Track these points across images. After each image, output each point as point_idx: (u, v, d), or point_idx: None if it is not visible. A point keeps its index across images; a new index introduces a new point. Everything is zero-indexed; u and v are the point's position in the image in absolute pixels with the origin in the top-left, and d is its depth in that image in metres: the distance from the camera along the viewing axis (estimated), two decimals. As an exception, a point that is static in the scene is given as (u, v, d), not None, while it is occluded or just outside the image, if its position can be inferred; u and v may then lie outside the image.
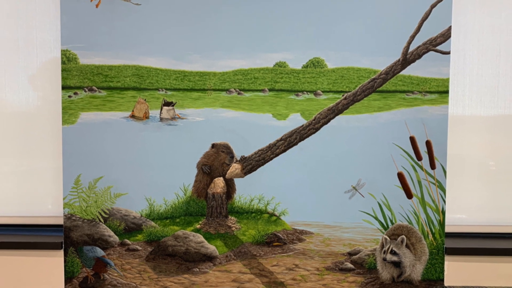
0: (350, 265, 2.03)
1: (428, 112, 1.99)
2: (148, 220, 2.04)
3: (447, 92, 1.98)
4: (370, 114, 2.01)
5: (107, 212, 2.03)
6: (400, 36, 1.94)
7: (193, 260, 2.03)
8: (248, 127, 2.01)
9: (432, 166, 1.99)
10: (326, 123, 1.98)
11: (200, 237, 2.04)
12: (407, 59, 1.95)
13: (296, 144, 1.99)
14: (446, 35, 1.93)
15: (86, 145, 2.00)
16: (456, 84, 2.11)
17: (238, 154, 2.02)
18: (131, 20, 1.96)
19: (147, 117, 2.02)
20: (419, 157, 1.99)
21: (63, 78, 1.98)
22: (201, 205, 2.05)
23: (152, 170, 2.02)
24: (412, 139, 1.98)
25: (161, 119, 2.02)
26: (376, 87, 1.97)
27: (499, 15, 2.10)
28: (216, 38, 1.98)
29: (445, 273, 2.04)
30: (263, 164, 2.00)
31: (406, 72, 1.97)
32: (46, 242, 2.05)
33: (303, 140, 1.99)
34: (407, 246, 1.99)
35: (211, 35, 1.98)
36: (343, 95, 1.98)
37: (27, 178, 2.18)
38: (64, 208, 2.02)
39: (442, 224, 2.01)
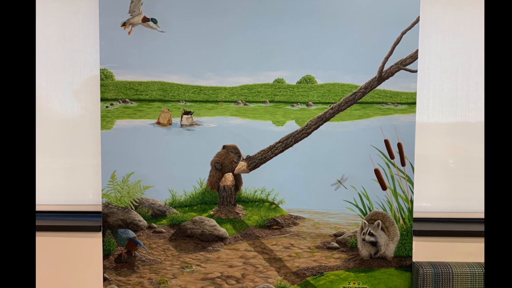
0: (335, 244, 2.14)
1: (399, 120, 2.09)
2: (171, 207, 2.13)
3: (414, 103, 2.09)
4: (352, 121, 2.10)
5: (137, 201, 2.13)
6: (376, 57, 2.06)
7: (207, 240, 2.14)
8: (252, 132, 2.11)
9: (403, 164, 2.11)
10: (316, 128, 2.10)
11: (213, 222, 2.14)
12: (382, 76, 2.06)
13: (291, 145, 2.11)
14: (414, 57, 2.06)
15: (120, 147, 2.11)
16: (422, 97, 2.23)
17: (244, 154, 2.12)
18: (157, 45, 2.07)
19: (170, 124, 2.10)
20: (392, 156, 2.11)
21: (101, 92, 2.09)
22: (214, 196, 2.14)
23: (174, 167, 2.11)
24: (386, 142, 2.10)
25: (182, 126, 2.10)
26: (357, 99, 2.08)
27: (457, 41, 2.23)
28: (226, 60, 2.08)
29: (413, 251, 2.16)
30: (264, 162, 2.11)
31: (381, 87, 2.08)
32: (88, 226, 2.16)
33: (297, 142, 2.11)
34: (382, 229, 2.12)
35: (223, 57, 2.07)
36: (330, 106, 2.09)
37: (72, 174, 2.27)
38: (102, 198, 2.12)
39: (410, 211, 2.13)
